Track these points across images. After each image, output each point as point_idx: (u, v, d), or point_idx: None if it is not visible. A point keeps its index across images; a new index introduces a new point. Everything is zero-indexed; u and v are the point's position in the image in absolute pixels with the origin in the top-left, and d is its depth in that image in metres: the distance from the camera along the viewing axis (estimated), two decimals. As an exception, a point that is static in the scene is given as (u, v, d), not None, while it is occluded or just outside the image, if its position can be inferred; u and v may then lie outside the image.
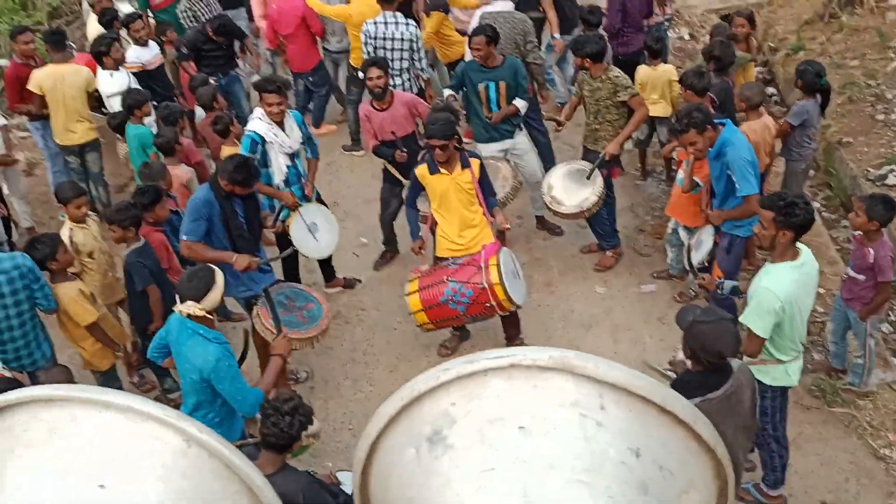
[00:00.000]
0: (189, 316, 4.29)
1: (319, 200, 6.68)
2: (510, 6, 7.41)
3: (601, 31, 7.64)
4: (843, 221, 7.28)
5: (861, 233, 5.19)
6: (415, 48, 7.60)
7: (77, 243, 5.68)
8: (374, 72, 6.48)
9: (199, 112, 7.82)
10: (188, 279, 4.38)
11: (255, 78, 8.18)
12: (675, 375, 4.29)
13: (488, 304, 5.62)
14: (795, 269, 4.30)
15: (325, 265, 6.95)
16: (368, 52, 7.60)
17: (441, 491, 0.97)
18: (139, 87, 7.46)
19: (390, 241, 7.29)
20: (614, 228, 7.01)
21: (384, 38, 7.52)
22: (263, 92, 6.14)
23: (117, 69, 7.57)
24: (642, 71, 7.39)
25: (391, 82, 7.03)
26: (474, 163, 5.80)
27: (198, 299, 4.26)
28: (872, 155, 7.58)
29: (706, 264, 5.96)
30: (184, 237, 5.37)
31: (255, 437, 4.08)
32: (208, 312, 4.32)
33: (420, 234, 6.08)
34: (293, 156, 6.30)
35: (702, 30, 10.29)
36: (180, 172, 6.54)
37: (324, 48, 8.90)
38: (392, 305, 6.77)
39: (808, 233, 4.47)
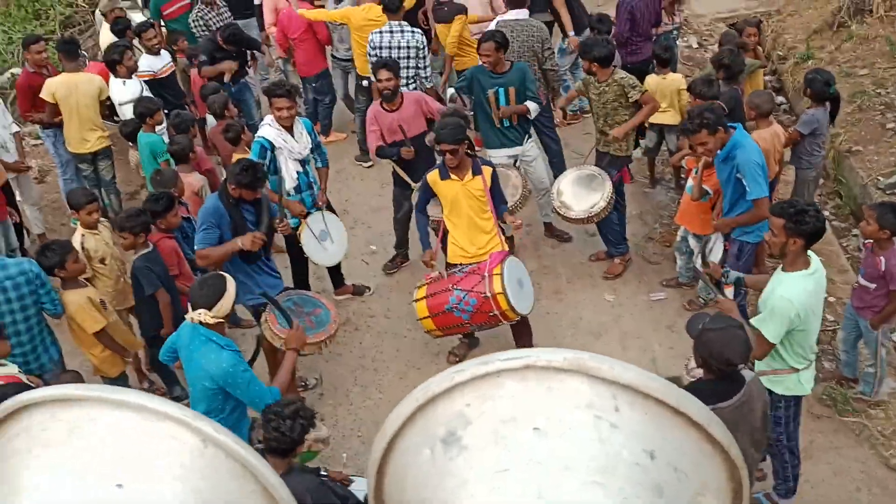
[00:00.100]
0: (201, 323, 4.31)
1: (329, 208, 6.70)
2: (525, 14, 7.42)
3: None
4: (854, 230, 7.26)
5: (872, 241, 5.17)
6: (420, 56, 7.62)
7: (89, 249, 5.73)
8: (384, 73, 6.50)
9: (210, 120, 7.87)
10: (199, 287, 4.41)
11: (266, 84, 8.24)
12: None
13: (492, 314, 5.59)
14: (809, 278, 4.29)
15: (335, 272, 6.97)
16: (374, 62, 7.64)
17: (456, 492, 0.97)
18: (151, 96, 7.51)
19: (402, 244, 7.28)
20: (624, 235, 7.01)
21: (389, 47, 7.56)
22: (273, 96, 6.17)
23: (130, 77, 7.63)
24: (651, 80, 7.39)
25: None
26: (486, 170, 5.76)
27: (209, 307, 4.29)
28: (882, 163, 7.56)
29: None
30: (197, 247, 5.41)
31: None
32: (219, 319, 4.34)
33: (431, 244, 6.04)
34: (303, 162, 6.31)
35: (710, 38, 10.30)
36: (193, 180, 6.58)
37: (332, 56, 8.95)
38: (401, 312, 6.78)
39: (819, 241, 4.46)
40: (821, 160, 6.62)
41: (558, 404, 0.96)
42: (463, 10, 8.06)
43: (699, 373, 4.00)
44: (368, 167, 8.69)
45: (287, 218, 6.38)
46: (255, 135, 6.37)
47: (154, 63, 8.17)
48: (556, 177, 7.17)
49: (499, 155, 6.85)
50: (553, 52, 7.55)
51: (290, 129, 6.19)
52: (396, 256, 7.37)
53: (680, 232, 6.56)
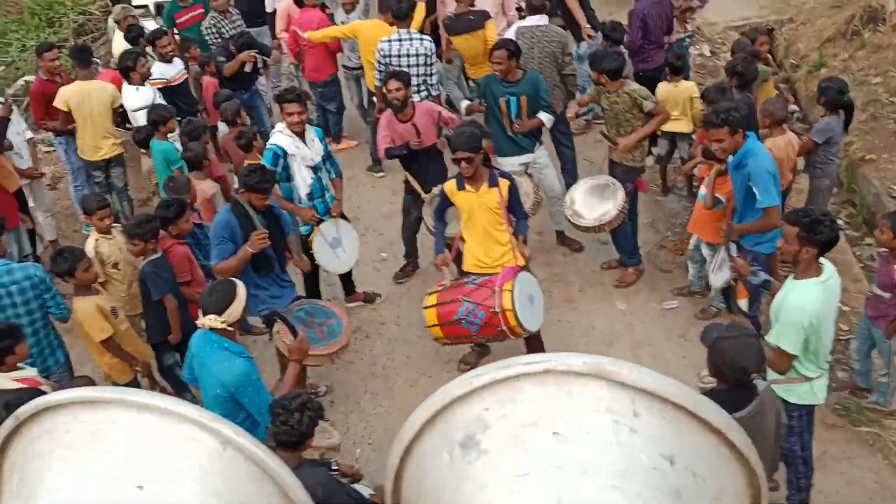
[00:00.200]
0: (212, 329, 4.32)
1: (341, 215, 6.71)
2: (545, 20, 7.43)
3: (622, 47, 7.67)
4: (867, 239, 7.23)
5: (886, 250, 5.14)
6: (428, 63, 7.65)
7: (102, 254, 5.79)
8: (394, 84, 6.51)
9: (222, 127, 7.92)
10: (209, 293, 4.42)
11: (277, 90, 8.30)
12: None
13: (500, 328, 5.55)
14: (820, 285, 4.27)
15: (346, 280, 6.98)
16: (382, 71, 7.68)
17: (475, 496, 0.97)
18: (164, 103, 7.56)
19: (411, 253, 7.30)
20: (636, 245, 6.99)
21: (398, 56, 7.58)
22: (284, 102, 6.20)
23: (143, 84, 7.69)
24: (663, 88, 7.40)
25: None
26: (503, 183, 5.66)
27: (220, 312, 4.29)
28: (896, 172, 7.53)
29: (732, 283, 5.93)
30: (214, 262, 5.44)
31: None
32: (230, 325, 4.35)
33: (445, 251, 6.03)
34: (316, 169, 6.33)
35: (723, 46, 10.29)
36: (206, 187, 6.62)
37: (344, 66, 9.00)
38: (412, 320, 6.78)
39: (832, 250, 4.44)
40: (834, 169, 6.60)
41: (578, 409, 0.96)
42: (488, 14, 8.06)
43: (709, 379, 3.99)
44: (381, 177, 8.71)
45: (299, 225, 6.41)
46: (267, 142, 6.39)
47: (167, 70, 8.23)
48: (568, 183, 7.18)
49: (510, 162, 6.85)
50: (572, 58, 7.56)
51: (302, 136, 6.21)
52: (407, 265, 7.37)
53: (692, 240, 6.54)
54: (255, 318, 6.17)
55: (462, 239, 6.00)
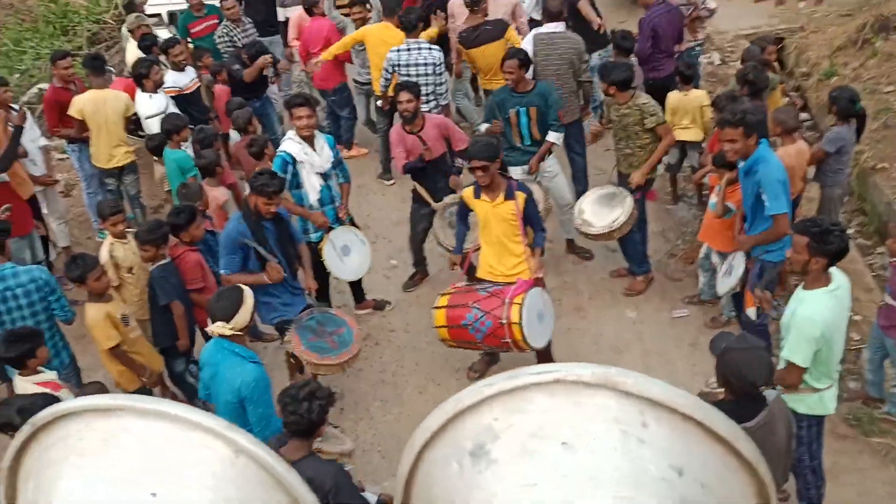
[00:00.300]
0: (221, 336, 4.35)
1: (352, 223, 6.74)
2: (562, 26, 7.44)
3: (633, 56, 7.67)
4: (879, 248, 7.19)
5: (898, 259, 5.11)
6: (438, 73, 7.67)
7: (117, 258, 5.87)
8: (405, 96, 6.54)
9: (234, 135, 7.96)
10: (217, 299, 4.45)
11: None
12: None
13: (504, 340, 5.53)
14: (830, 295, 4.24)
15: (356, 287, 7.00)
16: (387, 78, 7.71)
17: (484, 505, 0.98)
18: (179, 112, 7.61)
19: (420, 262, 7.32)
20: (645, 253, 6.98)
21: (407, 65, 7.61)
22: (292, 107, 6.24)
23: (156, 91, 7.75)
24: (673, 96, 7.40)
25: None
26: (520, 196, 5.60)
27: (227, 319, 4.32)
28: (908, 181, 7.49)
29: (738, 290, 5.91)
30: (222, 272, 5.48)
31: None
32: (238, 331, 4.37)
33: (462, 251, 6.01)
34: (326, 176, 6.36)
35: (733, 55, 10.27)
36: (218, 194, 6.66)
37: (355, 80, 9.05)
38: (421, 327, 6.79)
39: (843, 259, 4.41)
40: (846, 178, 6.57)
41: (586, 419, 0.97)
42: (506, 23, 8.07)
43: (715, 385, 3.98)
44: (390, 185, 8.74)
45: (310, 231, 6.44)
46: (278, 150, 6.43)
47: (179, 79, 8.29)
48: (578, 191, 7.17)
49: (519, 172, 6.86)
50: (589, 65, 7.57)
51: (311, 142, 6.24)
52: (416, 274, 7.39)
53: (703, 249, 6.53)
54: (267, 325, 6.21)
55: (476, 249, 6.02)
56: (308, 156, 6.22)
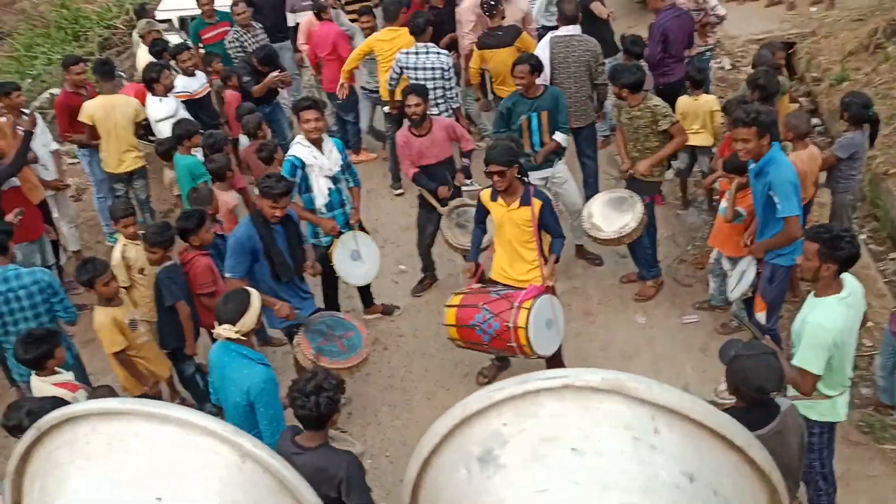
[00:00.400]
0: (228, 339, 4.35)
1: (361, 228, 6.73)
2: (578, 29, 7.44)
3: (643, 61, 7.65)
4: (891, 254, 7.14)
5: (910, 265, 5.07)
6: (446, 77, 7.68)
7: (129, 258, 5.91)
8: (413, 99, 6.54)
9: (244, 140, 7.98)
10: (223, 302, 4.46)
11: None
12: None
13: (510, 344, 5.49)
14: (842, 302, 4.21)
15: (365, 292, 7.00)
16: (395, 79, 7.71)
17: (492, 511, 0.97)
18: (191, 119, 7.65)
19: (428, 267, 7.31)
20: (655, 258, 6.96)
21: (415, 68, 7.63)
22: (300, 110, 6.24)
23: (166, 95, 7.78)
24: (683, 101, 7.37)
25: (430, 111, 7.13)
26: (536, 203, 5.53)
27: (234, 322, 4.32)
28: (920, 186, 7.44)
29: (750, 295, 5.88)
30: (227, 275, 5.49)
31: None
32: (244, 334, 4.38)
33: (478, 259, 5.98)
34: (335, 179, 6.36)
35: (743, 59, 10.24)
36: (229, 198, 6.68)
37: (363, 88, 9.07)
38: (430, 332, 6.78)
39: (856, 265, 4.38)
40: (857, 184, 6.52)
41: (596, 424, 0.96)
42: (519, 30, 8.08)
43: (727, 395, 3.94)
44: (399, 194, 8.72)
45: (320, 236, 6.44)
46: (287, 154, 6.44)
47: (189, 84, 8.32)
48: (588, 196, 7.15)
49: (530, 177, 6.83)
50: (605, 68, 7.56)
51: (319, 146, 6.25)
52: (424, 279, 7.38)
53: (713, 254, 6.50)
54: (276, 329, 6.22)
55: (485, 248, 6.00)
56: (317, 159, 6.22)
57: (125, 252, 5.92)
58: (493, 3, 7.88)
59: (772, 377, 3.67)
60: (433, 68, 7.61)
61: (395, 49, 7.95)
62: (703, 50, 8.50)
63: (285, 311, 5.50)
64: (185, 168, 7.02)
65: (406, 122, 6.82)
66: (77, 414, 1.04)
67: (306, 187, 6.28)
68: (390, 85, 7.92)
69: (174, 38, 9.73)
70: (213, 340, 4.77)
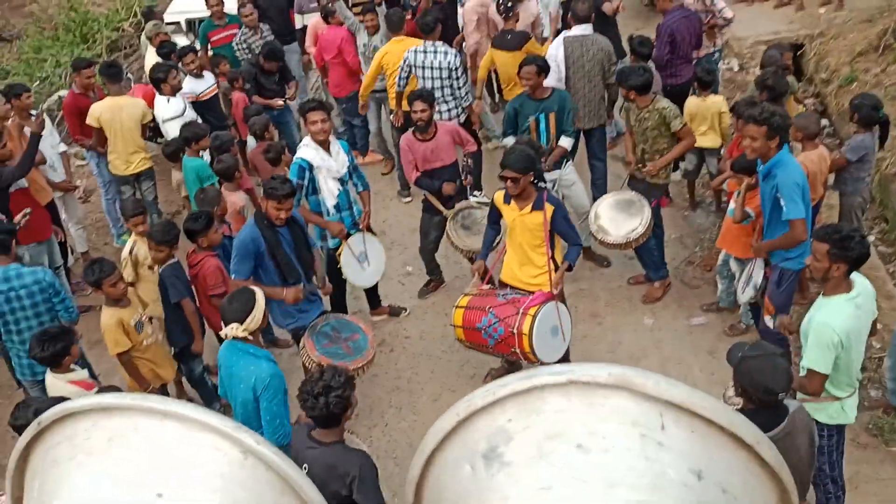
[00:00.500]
0: (235, 338, 4.37)
1: (368, 229, 6.72)
2: (590, 29, 7.42)
3: (651, 62, 7.63)
4: (901, 255, 7.10)
5: (920, 266, 5.04)
6: (455, 76, 7.66)
7: (138, 254, 5.98)
8: (419, 105, 6.52)
9: (251, 142, 7.99)
10: (229, 302, 4.48)
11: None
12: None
13: (514, 349, 5.46)
14: (851, 302, 4.18)
15: (371, 293, 6.99)
16: (404, 77, 7.70)
17: (497, 509, 0.96)
18: (200, 121, 7.66)
19: (433, 270, 7.30)
20: (662, 260, 6.93)
21: (422, 67, 7.62)
22: (307, 111, 6.23)
23: (174, 95, 7.80)
24: (691, 102, 7.35)
25: (438, 109, 7.12)
26: (549, 208, 5.47)
27: (241, 321, 4.35)
28: (930, 188, 7.39)
29: (757, 300, 5.84)
30: (232, 276, 5.49)
31: None
32: (252, 332, 4.39)
33: (487, 260, 5.95)
34: (342, 181, 6.36)
35: (752, 61, 10.20)
36: (236, 199, 6.68)
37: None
38: (436, 334, 6.77)
39: (864, 266, 4.35)
40: (866, 185, 6.48)
41: (603, 421, 0.95)
42: (528, 36, 8.06)
43: (737, 400, 3.91)
44: (408, 202, 8.68)
45: (327, 238, 6.44)
46: (294, 156, 6.43)
47: (197, 86, 8.34)
48: (596, 197, 7.12)
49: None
50: (617, 68, 7.54)
51: (326, 147, 6.24)
52: (430, 282, 7.37)
53: (721, 256, 6.47)
54: (283, 331, 6.22)
55: (497, 257, 5.99)
56: (324, 161, 6.22)
57: (135, 248, 5.97)
58: (509, 4, 7.88)
59: (779, 378, 3.64)
60: (440, 67, 7.61)
61: (399, 51, 7.94)
62: (712, 51, 8.48)
63: (292, 296, 5.48)
64: (193, 170, 7.04)
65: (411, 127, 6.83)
66: (78, 409, 1.03)
67: (314, 189, 6.27)
68: (399, 85, 7.90)
69: (182, 41, 9.76)
70: (221, 342, 4.78)
